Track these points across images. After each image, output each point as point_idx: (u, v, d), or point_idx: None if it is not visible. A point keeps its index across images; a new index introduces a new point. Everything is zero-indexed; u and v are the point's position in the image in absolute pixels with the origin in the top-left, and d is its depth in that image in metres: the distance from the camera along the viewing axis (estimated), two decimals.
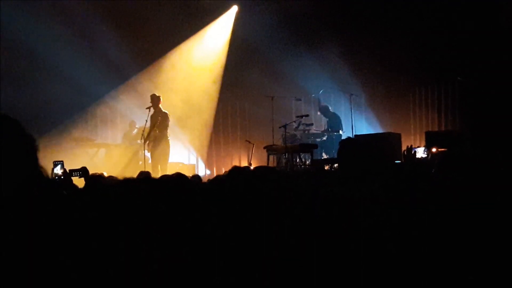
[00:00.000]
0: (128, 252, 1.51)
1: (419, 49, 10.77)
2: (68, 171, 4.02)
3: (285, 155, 9.57)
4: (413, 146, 4.97)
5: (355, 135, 9.82)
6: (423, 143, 9.57)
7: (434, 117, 11.31)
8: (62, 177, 3.82)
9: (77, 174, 4.12)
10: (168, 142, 9.70)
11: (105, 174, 7.03)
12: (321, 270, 1.46)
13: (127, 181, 1.74)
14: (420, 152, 8.57)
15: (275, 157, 9.90)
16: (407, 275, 1.58)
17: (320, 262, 1.47)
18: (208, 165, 12.92)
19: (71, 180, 3.80)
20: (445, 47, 10.29)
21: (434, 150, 8.01)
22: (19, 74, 10.67)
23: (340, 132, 10.56)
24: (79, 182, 4.15)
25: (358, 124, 11.13)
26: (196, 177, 5.12)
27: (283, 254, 1.43)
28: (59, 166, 4.05)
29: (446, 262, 1.67)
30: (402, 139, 8.89)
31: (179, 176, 3.19)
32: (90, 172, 4.56)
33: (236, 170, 1.81)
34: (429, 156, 7.76)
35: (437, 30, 10.35)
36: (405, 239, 1.72)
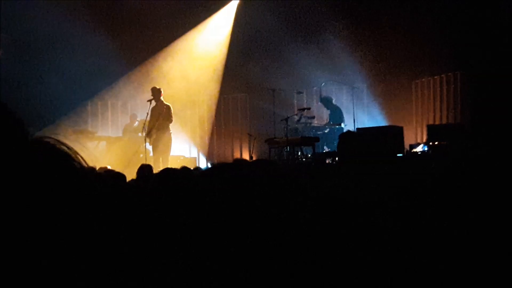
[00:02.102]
0: (125, 250, 1.49)
1: (422, 41, 10.70)
2: None
3: (287, 148, 9.55)
4: (418, 141, 4.96)
5: (357, 128, 9.78)
6: (426, 136, 9.55)
7: (437, 110, 11.26)
8: None
9: None
10: (170, 135, 9.69)
11: (109, 167, 7.04)
12: (318, 269, 1.44)
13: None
14: (419, 148, 8.57)
15: (276, 150, 9.89)
16: (407, 276, 1.56)
17: (318, 260, 1.45)
18: (210, 158, 12.91)
19: None
20: (449, 40, 10.23)
21: (436, 143, 7.99)
22: (18, 69, 10.66)
23: (342, 125, 10.52)
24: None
25: (360, 117, 11.09)
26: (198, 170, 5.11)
27: (280, 252, 1.41)
28: None
29: (445, 261, 1.65)
30: (404, 132, 8.84)
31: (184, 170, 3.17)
32: (90, 165, 4.54)
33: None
34: (430, 151, 7.73)
35: (440, 23, 10.29)
36: (405, 238, 1.70)
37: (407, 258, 1.61)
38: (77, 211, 1.38)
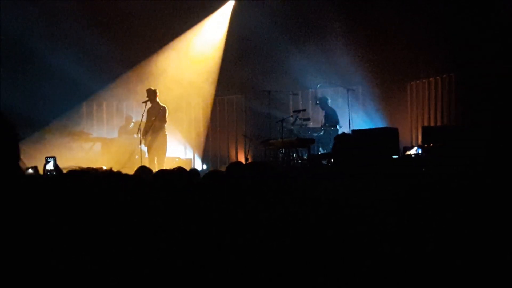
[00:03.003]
0: (123, 250, 1.49)
1: (418, 43, 10.73)
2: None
3: (282, 150, 9.55)
4: (413, 143, 4.97)
5: (352, 130, 9.79)
6: (421, 138, 9.56)
7: (432, 112, 11.29)
8: (54, 172, 3.81)
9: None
10: (166, 136, 9.68)
11: (104, 168, 7.01)
12: (316, 270, 1.44)
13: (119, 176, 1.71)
14: (413, 150, 8.58)
15: (272, 152, 9.88)
16: (403, 276, 1.57)
17: (314, 260, 1.45)
18: (205, 159, 12.89)
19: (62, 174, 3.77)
20: (444, 41, 10.26)
21: (431, 145, 7.99)
22: (15, 71, 10.64)
23: (337, 126, 10.53)
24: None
25: (355, 118, 11.10)
26: (194, 172, 5.11)
27: (275, 253, 1.42)
28: (51, 162, 4.04)
29: (442, 262, 1.65)
30: (400, 134, 8.84)
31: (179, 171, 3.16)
32: (85, 166, 4.53)
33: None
34: (423, 154, 7.74)
35: (436, 24, 10.32)
36: (401, 239, 1.70)
37: (405, 259, 1.61)
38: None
